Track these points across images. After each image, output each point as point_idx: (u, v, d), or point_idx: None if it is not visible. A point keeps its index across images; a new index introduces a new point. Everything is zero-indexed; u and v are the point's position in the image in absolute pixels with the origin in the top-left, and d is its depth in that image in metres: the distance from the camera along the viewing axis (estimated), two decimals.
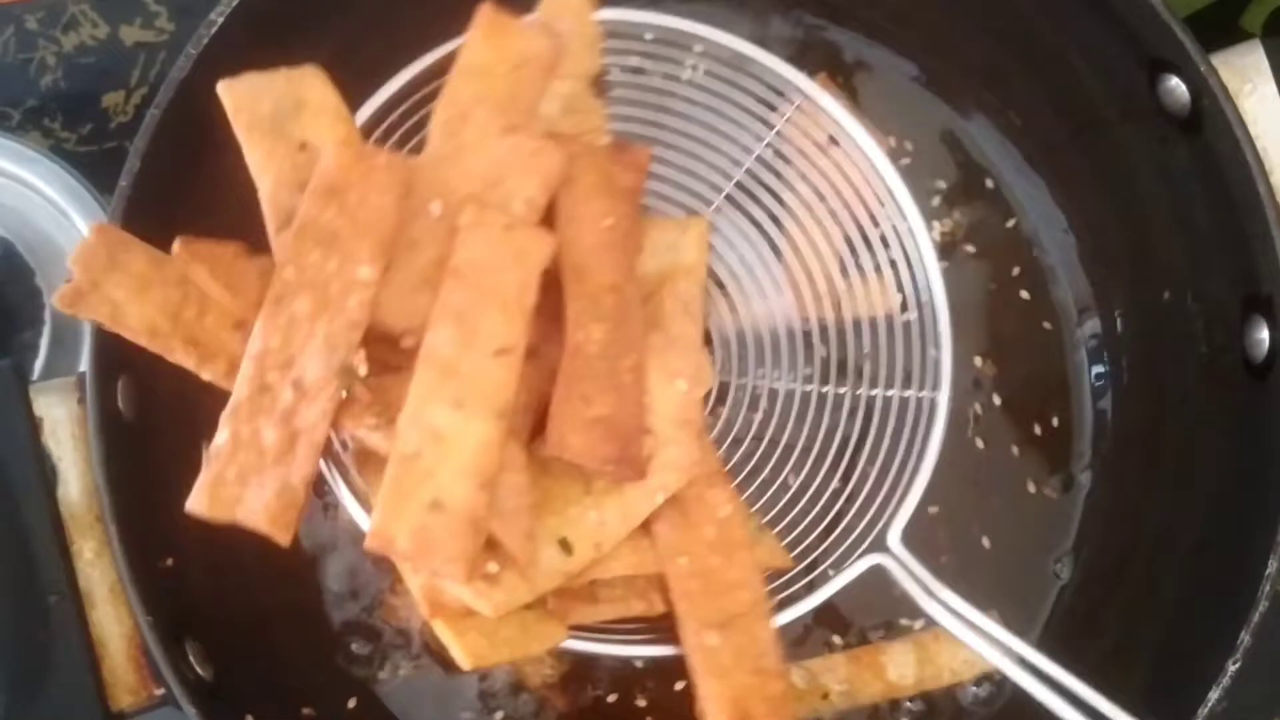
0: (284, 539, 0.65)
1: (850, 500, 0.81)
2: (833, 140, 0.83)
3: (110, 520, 0.70)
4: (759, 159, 0.86)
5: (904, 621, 0.89)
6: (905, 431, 0.81)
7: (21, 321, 0.91)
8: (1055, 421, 0.92)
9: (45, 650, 0.68)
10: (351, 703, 0.84)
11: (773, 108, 0.85)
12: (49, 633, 0.68)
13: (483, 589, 0.67)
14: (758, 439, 0.85)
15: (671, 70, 0.84)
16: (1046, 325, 0.93)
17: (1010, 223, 0.94)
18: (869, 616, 0.90)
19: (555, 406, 0.72)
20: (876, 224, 0.83)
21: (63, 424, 0.73)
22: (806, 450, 0.84)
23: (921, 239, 0.80)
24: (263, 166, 0.72)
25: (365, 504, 0.72)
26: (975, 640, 0.73)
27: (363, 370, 0.69)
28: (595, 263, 0.76)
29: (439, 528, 0.66)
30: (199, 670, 0.72)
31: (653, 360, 0.76)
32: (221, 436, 0.66)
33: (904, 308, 0.84)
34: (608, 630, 0.76)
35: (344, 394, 0.68)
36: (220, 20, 0.73)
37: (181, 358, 0.69)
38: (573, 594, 0.74)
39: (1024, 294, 0.93)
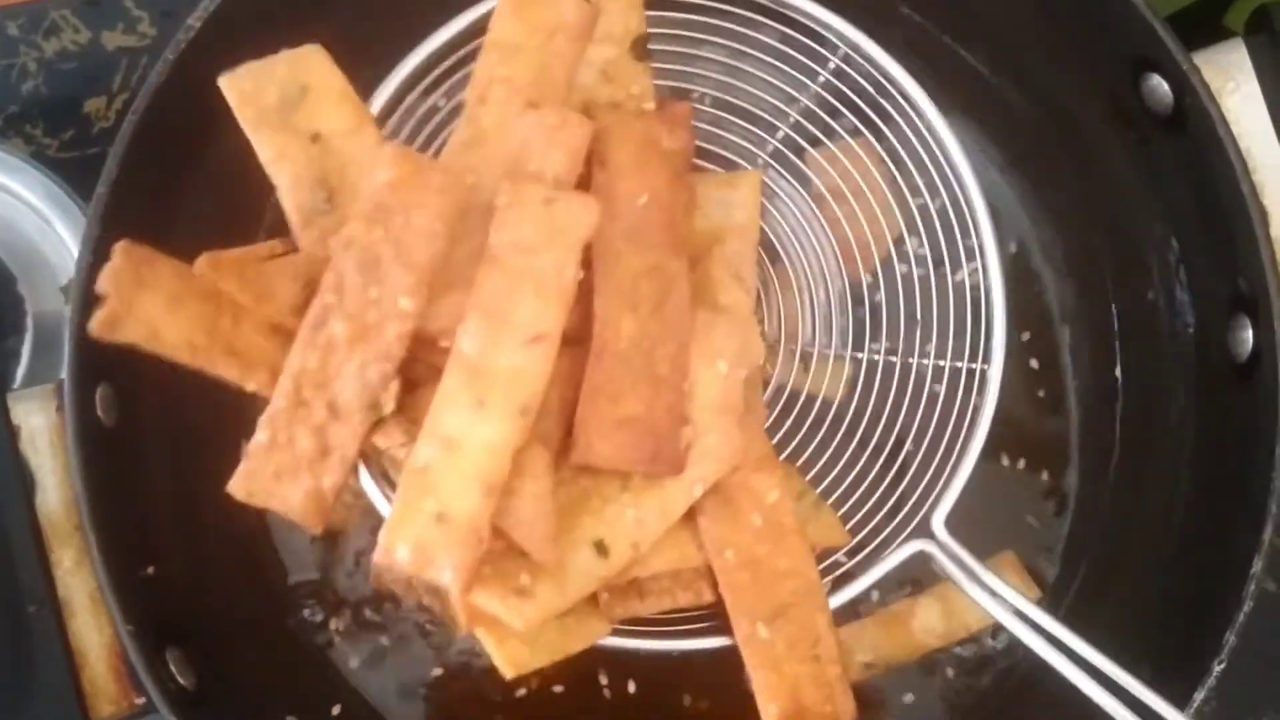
0: (314, 529, 0.67)
1: (897, 479, 0.80)
2: (880, 91, 0.79)
3: (89, 529, 0.69)
4: (805, 111, 0.83)
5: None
6: (955, 407, 0.78)
7: (3, 328, 0.90)
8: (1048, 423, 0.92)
9: (25, 660, 0.68)
10: (336, 709, 0.84)
11: (819, 57, 0.81)
12: (28, 642, 0.68)
13: (514, 603, 0.66)
14: (805, 408, 0.83)
15: (713, 21, 0.81)
16: (1026, 334, 0.93)
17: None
18: (901, 591, 0.90)
19: (581, 409, 0.69)
20: (928, 180, 0.80)
21: (41, 432, 0.72)
22: (854, 423, 0.83)
23: (974, 195, 0.75)
24: (277, 165, 0.71)
25: None
26: (1023, 630, 0.71)
27: (389, 407, 0.68)
28: (628, 246, 0.73)
29: (440, 540, 0.64)
30: (180, 679, 0.71)
31: (695, 340, 0.72)
32: (261, 436, 0.68)
33: (955, 268, 0.80)
34: (650, 623, 0.74)
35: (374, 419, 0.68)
36: (198, 25, 0.72)
37: (225, 370, 0.69)
38: (616, 588, 0.72)
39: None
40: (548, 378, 0.67)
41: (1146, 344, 0.85)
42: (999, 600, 0.73)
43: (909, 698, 0.87)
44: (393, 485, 0.71)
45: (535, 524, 0.66)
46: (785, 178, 0.84)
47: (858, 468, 0.80)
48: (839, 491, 0.80)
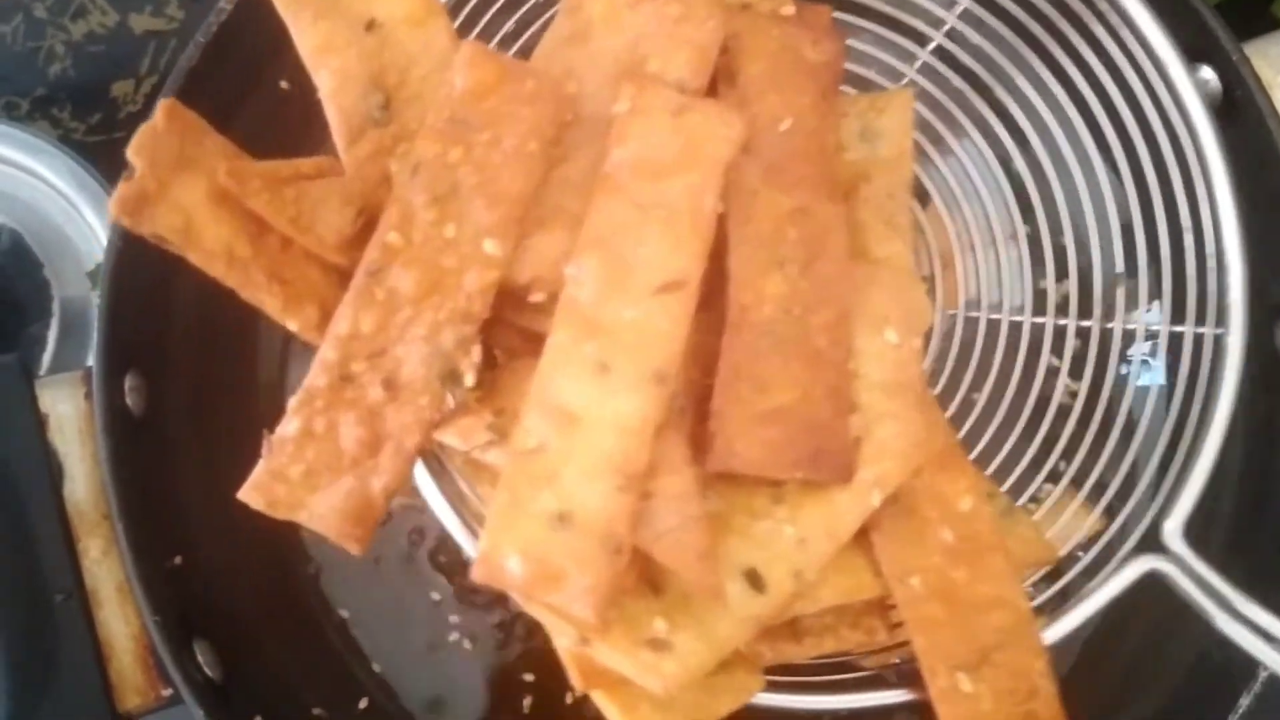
0: (356, 549, 0.56)
1: (1108, 474, 0.65)
2: None
3: (117, 518, 0.67)
4: (966, 15, 0.69)
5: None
6: (1181, 382, 0.63)
7: (29, 315, 0.88)
8: None
9: (51, 650, 0.67)
10: (363, 703, 0.79)
11: None
12: (55, 632, 0.67)
13: (648, 659, 0.51)
14: (974, 384, 0.68)
15: None
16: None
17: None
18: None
19: (717, 399, 0.57)
20: (1132, 103, 0.66)
21: (69, 420, 0.70)
22: (1041, 405, 0.67)
23: (1191, 102, 0.63)
24: (319, 58, 0.59)
25: (464, 518, 0.62)
26: None
27: (470, 379, 0.57)
28: (769, 185, 0.61)
29: (562, 548, 0.52)
30: (207, 671, 0.69)
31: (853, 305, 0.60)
32: (290, 426, 0.56)
33: (1168, 205, 0.65)
34: (810, 671, 0.61)
35: (449, 401, 0.57)
36: (229, 8, 0.69)
37: (264, 297, 0.58)
38: (769, 629, 0.58)
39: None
40: (685, 337, 0.55)
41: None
42: (1268, 640, 0.59)
43: None
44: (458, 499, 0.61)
45: (683, 536, 0.50)
46: (938, 98, 0.70)
47: (1051, 462, 0.66)
48: (1028, 493, 0.66)
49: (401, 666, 0.80)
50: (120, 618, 0.69)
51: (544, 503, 0.52)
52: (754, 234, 0.59)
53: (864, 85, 0.70)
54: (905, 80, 0.71)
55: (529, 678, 0.78)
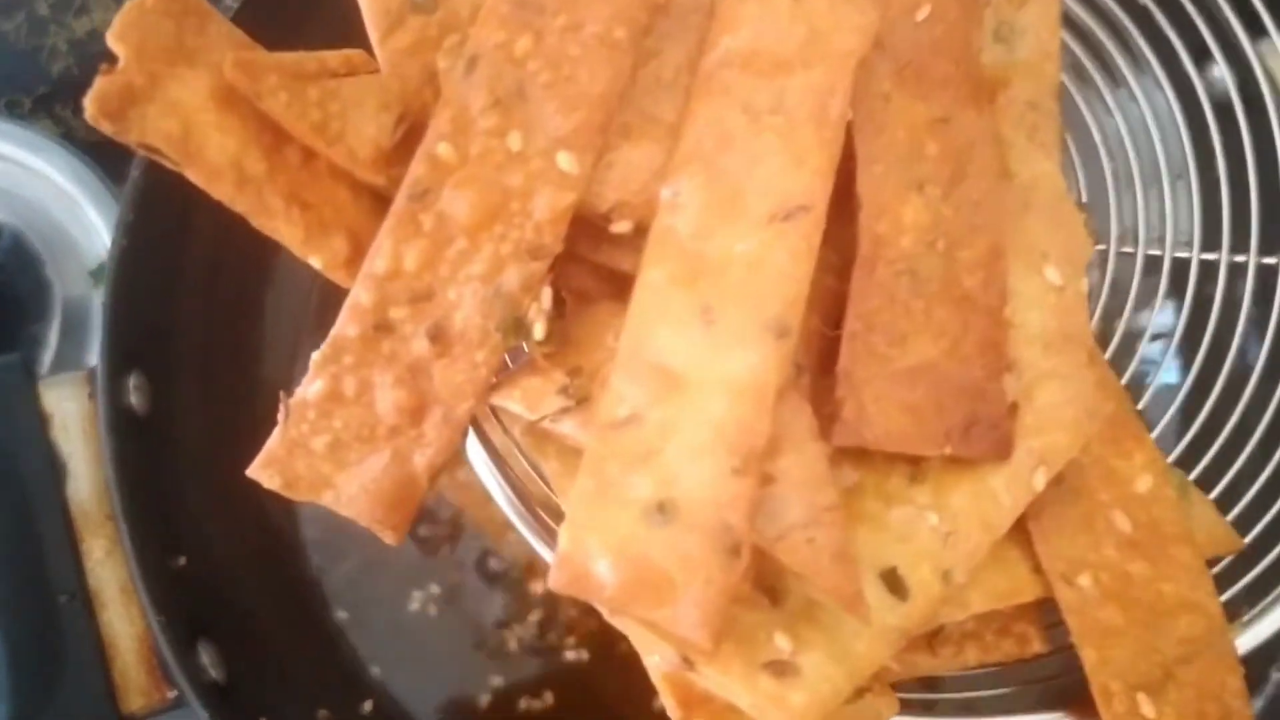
0: (394, 538, 0.49)
1: None
2: None
3: (121, 518, 0.66)
4: None
5: None
6: None
7: (31, 313, 0.86)
8: None
9: (55, 651, 0.67)
10: (368, 705, 0.78)
11: None
12: (58, 633, 0.67)
13: (770, 689, 0.43)
14: (1126, 344, 0.59)
15: None
16: None
17: None
18: None
19: (847, 357, 0.49)
20: None
21: (73, 419, 0.69)
22: (1213, 364, 0.59)
23: None
24: None
25: (529, 505, 0.54)
26: None
27: (540, 330, 0.49)
28: (904, 88, 0.53)
29: (664, 548, 0.43)
30: (212, 672, 0.68)
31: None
32: (313, 387, 0.49)
33: None
34: (949, 687, 0.53)
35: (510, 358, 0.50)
36: (235, 5, 0.66)
37: (280, 224, 0.50)
38: None
39: None
40: (809, 277, 0.47)
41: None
42: None
43: None
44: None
45: (815, 532, 0.39)
46: None
47: (1226, 434, 0.57)
48: (1199, 470, 0.57)
49: (406, 668, 0.79)
50: (124, 618, 0.68)
51: (640, 489, 0.43)
52: (887, 148, 0.51)
53: None
54: None
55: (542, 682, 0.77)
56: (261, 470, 0.48)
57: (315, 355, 0.49)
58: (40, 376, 0.72)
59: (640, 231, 0.48)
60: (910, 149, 0.51)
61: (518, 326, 0.47)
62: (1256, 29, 0.62)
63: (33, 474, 0.68)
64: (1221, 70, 0.63)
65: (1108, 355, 0.58)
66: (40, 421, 0.69)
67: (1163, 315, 0.60)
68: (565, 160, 0.48)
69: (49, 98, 0.92)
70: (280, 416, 0.48)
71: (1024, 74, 0.58)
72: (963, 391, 0.49)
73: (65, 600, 0.67)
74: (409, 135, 0.49)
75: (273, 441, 0.48)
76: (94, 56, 0.92)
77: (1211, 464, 0.57)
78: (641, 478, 0.43)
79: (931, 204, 0.51)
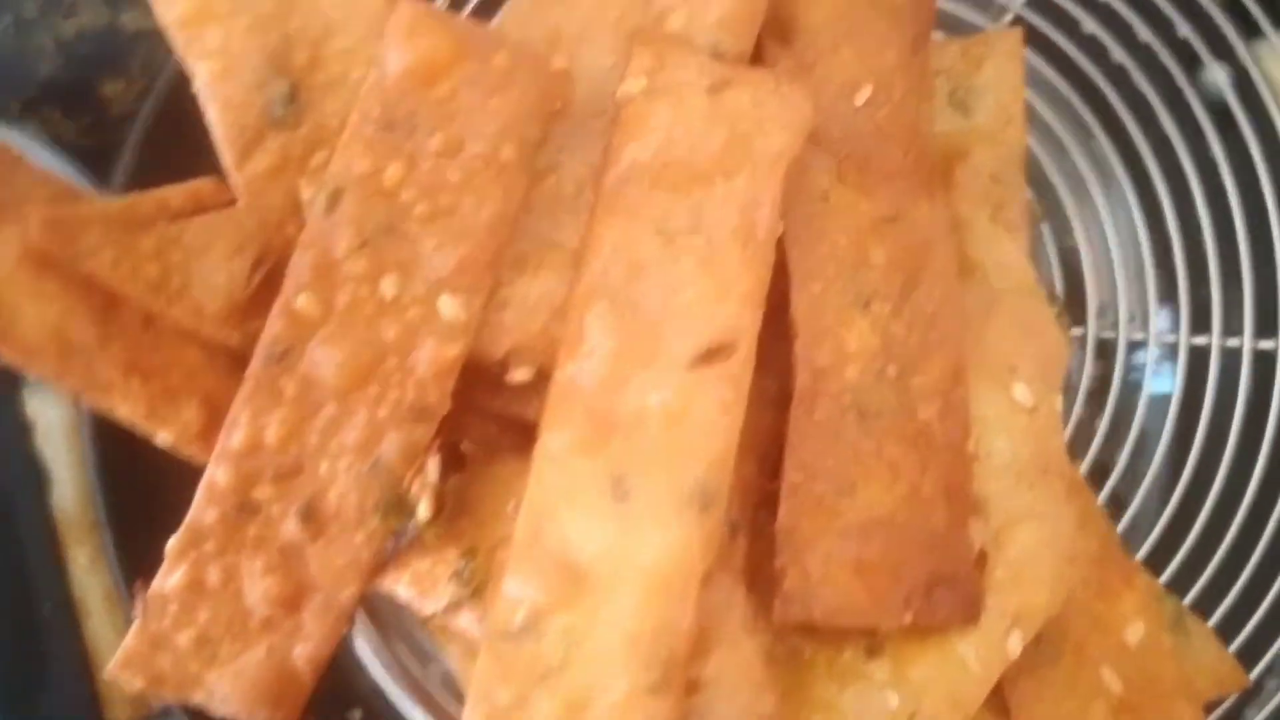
0: None
1: None
2: None
3: (106, 526, 0.65)
4: None
5: None
6: None
7: None
8: None
9: (38, 661, 0.66)
10: (357, 714, 0.71)
11: None
12: (42, 643, 0.66)
13: None
14: (1115, 433, 0.58)
15: None
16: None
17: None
18: None
19: (787, 514, 0.44)
20: None
21: (56, 426, 0.67)
22: (1209, 458, 0.57)
23: None
24: (190, 32, 0.46)
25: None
26: None
27: (425, 509, 0.45)
28: (846, 180, 0.48)
29: None
30: None
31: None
32: (171, 578, 0.45)
33: None
34: None
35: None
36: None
37: (117, 400, 0.46)
38: None
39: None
40: (738, 428, 0.43)
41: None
42: None
43: None
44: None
45: None
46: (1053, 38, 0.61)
47: (1227, 544, 0.55)
48: (1198, 589, 0.55)
49: (393, 677, 0.71)
50: (109, 627, 0.65)
51: (542, 711, 0.38)
52: (826, 261, 0.47)
53: (951, 26, 0.60)
54: (1008, 17, 0.60)
55: None
56: (121, 670, 0.44)
57: (171, 542, 0.44)
58: (23, 383, 0.69)
59: (544, 376, 0.43)
60: (854, 258, 0.47)
61: (399, 506, 0.42)
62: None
63: (15, 481, 0.67)
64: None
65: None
66: (23, 428, 0.67)
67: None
68: (449, 305, 0.42)
69: (37, 101, 0.87)
70: (136, 611, 0.45)
71: (984, 142, 0.54)
72: (923, 546, 0.44)
73: (48, 609, 0.65)
74: (269, 280, 0.44)
75: (131, 638, 0.44)
76: (83, 59, 0.88)
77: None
78: (542, 701, 0.37)
79: (879, 323, 0.46)
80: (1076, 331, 0.59)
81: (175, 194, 0.43)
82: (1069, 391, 0.58)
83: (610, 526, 0.40)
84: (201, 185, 0.44)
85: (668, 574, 0.39)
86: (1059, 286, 0.60)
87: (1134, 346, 0.58)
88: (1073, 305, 0.60)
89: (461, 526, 0.43)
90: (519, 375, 0.44)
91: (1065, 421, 0.57)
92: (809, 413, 0.44)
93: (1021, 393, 0.47)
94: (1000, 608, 0.44)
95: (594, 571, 0.39)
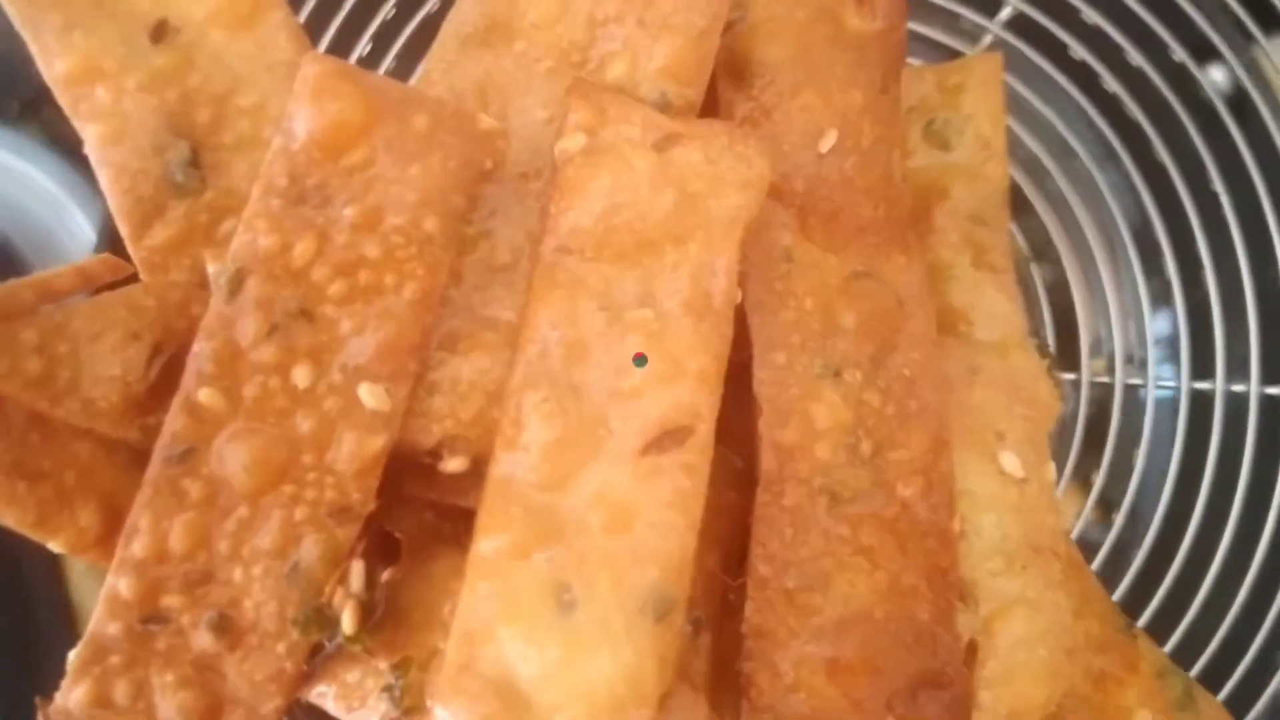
0: None
1: None
2: None
3: None
4: None
5: None
6: None
7: None
8: None
9: (35, 663, 0.62)
10: None
11: None
12: (39, 646, 0.64)
13: None
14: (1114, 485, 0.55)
15: None
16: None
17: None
18: None
19: (755, 613, 0.41)
20: None
21: None
22: (1216, 513, 0.54)
23: None
24: (77, 90, 0.43)
25: None
26: None
27: (348, 623, 0.40)
28: (811, 237, 0.45)
29: None
30: None
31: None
32: (74, 694, 0.41)
33: None
34: None
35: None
36: None
37: (1, 508, 0.41)
38: None
39: None
40: (699, 521, 0.39)
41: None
42: None
43: None
44: None
45: None
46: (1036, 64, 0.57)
47: (1245, 594, 0.53)
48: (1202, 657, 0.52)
49: None
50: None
51: None
52: (791, 327, 0.43)
53: (927, 52, 0.57)
54: (987, 41, 0.57)
55: None
56: None
57: (71, 656, 0.40)
58: None
59: (482, 465, 0.39)
60: (821, 323, 0.43)
61: (320, 620, 0.38)
62: None
63: None
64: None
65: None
66: None
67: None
68: (370, 394, 0.39)
69: (36, 102, 0.84)
70: None
71: (964, 178, 0.52)
72: (906, 643, 0.41)
73: (46, 614, 0.64)
74: (170, 369, 0.40)
75: None
76: None
77: None
78: None
79: (851, 394, 0.42)
80: (1069, 376, 0.55)
81: (60, 275, 0.39)
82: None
83: (554, 644, 0.36)
84: (91, 264, 0.40)
85: (620, 697, 0.35)
86: (1048, 323, 0.56)
87: (1131, 390, 0.55)
88: (1064, 339, 0.57)
89: (394, 632, 0.40)
90: (453, 466, 0.40)
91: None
92: (776, 499, 0.40)
93: (1010, 462, 0.44)
94: (993, 708, 0.42)
95: (536, 698, 0.35)
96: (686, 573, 0.37)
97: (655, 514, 0.37)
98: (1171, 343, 0.55)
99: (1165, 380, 0.54)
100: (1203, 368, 0.54)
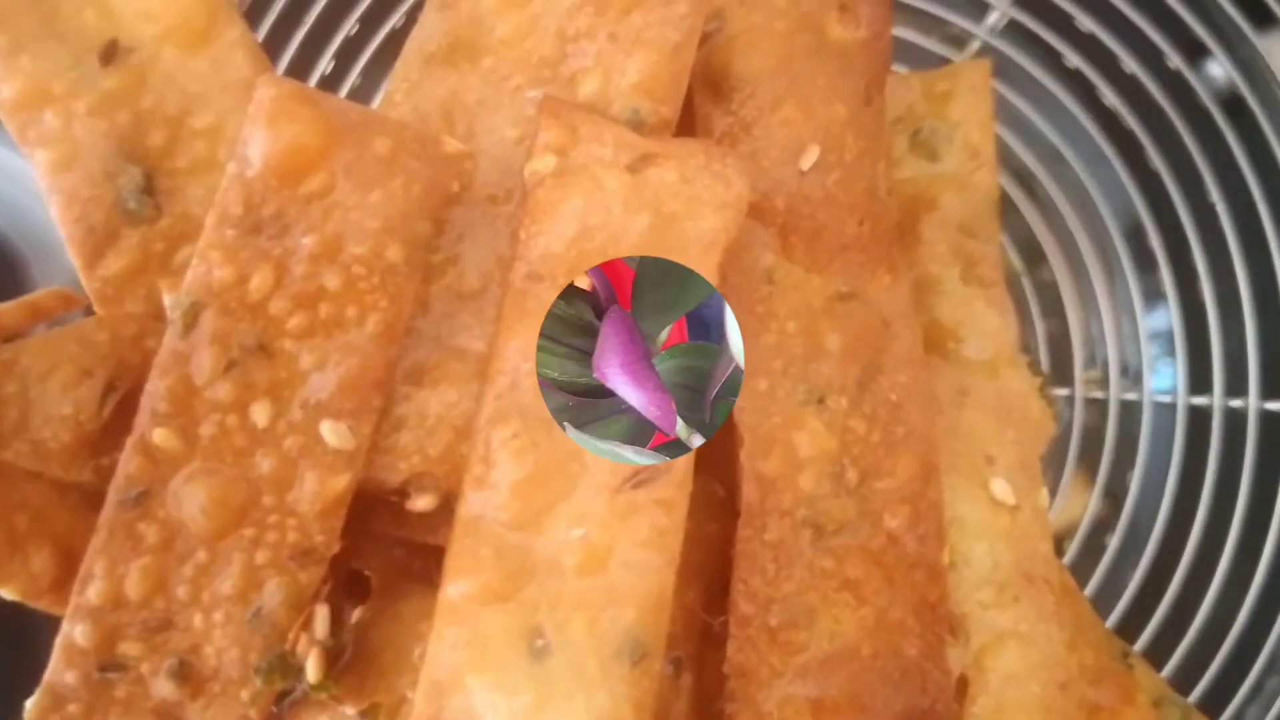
0: None
1: None
2: None
3: None
4: None
5: None
6: None
7: None
8: None
9: (32, 665, 0.53)
10: None
11: None
12: (36, 647, 0.55)
13: None
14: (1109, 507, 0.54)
15: None
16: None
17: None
18: None
19: (737, 651, 0.39)
20: None
21: None
22: (1213, 534, 0.53)
23: None
24: (24, 116, 0.41)
25: None
26: None
27: (313, 671, 0.39)
28: (794, 256, 0.43)
29: None
30: None
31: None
32: None
33: None
34: None
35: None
36: None
37: None
38: None
39: None
40: (676, 561, 0.37)
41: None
42: None
43: None
44: None
45: None
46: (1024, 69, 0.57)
47: (1245, 615, 0.52)
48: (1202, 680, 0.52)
49: None
50: None
51: None
52: (773, 352, 0.42)
53: (914, 59, 0.56)
54: (975, 46, 0.56)
55: None
56: None
57: (29, 705, 0.38)
58: None
59: (451, 500, 0.37)
60: (804, 347, 0.42)
61: (283, 668, 0.36)
62: None
63: None
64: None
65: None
66: None
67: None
68: (333, 432, 0.37)
69: None
70: None
71: (952, 188, 0.50)
72: (893, 679, 0.40)
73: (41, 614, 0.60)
74: (124, 406, 0.38)
75: None
76: None
77: None
78: None
79: (836, 421, 0.41)
80: (1063, 392, 0.54)
81: (8, 311, 0.37)
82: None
83: (525, 691, 0.34)
84: (41, 297, 0.38)
85: None
86: (1040, 336, 0.55)
87: (1127, 407, 0.54)
88: (1057, 353, 0.55)
89: (363, 676, 0.38)
90: (421, 504, 0.38)
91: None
92: (758, 533, 0.39)
93: (1001, 489, 0.42)
94: None
95: None
96: (665, 613, 0.35)
97: (631, 553, 0.36)
98: (1168, 354, 0.53)
99: (1161, 394, 0.52)
100: (1200, 382, 0.53)
